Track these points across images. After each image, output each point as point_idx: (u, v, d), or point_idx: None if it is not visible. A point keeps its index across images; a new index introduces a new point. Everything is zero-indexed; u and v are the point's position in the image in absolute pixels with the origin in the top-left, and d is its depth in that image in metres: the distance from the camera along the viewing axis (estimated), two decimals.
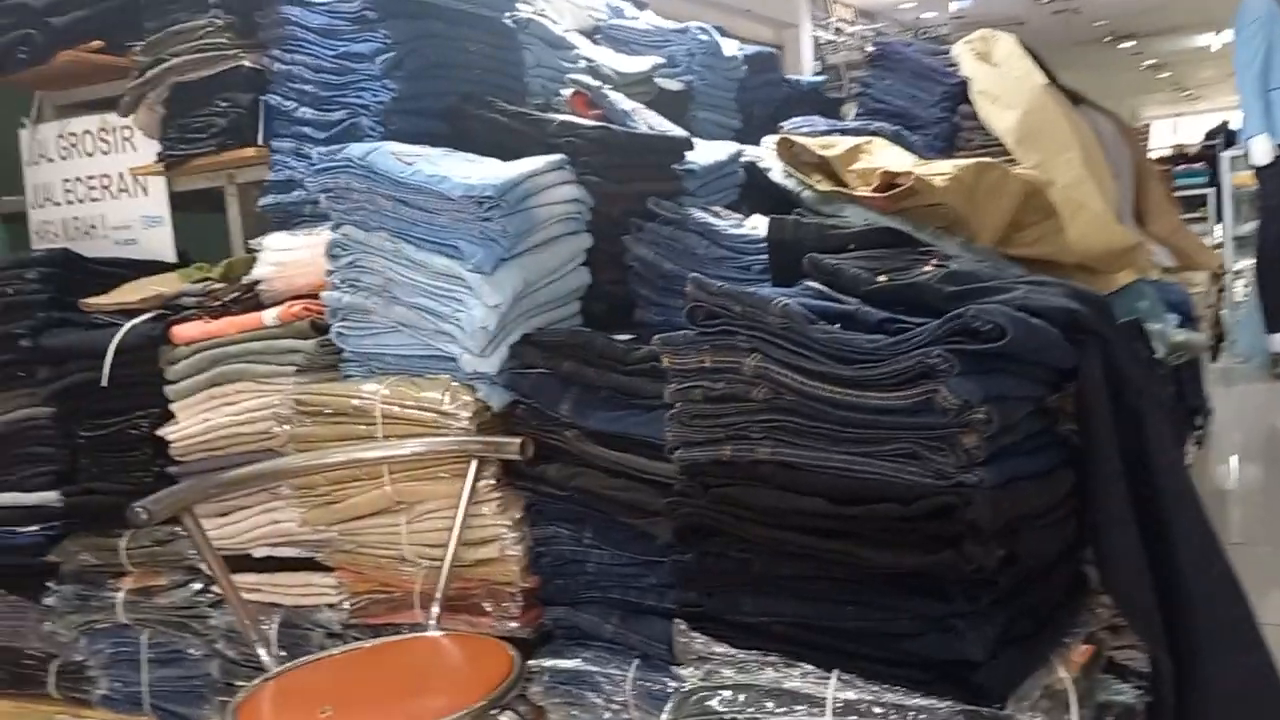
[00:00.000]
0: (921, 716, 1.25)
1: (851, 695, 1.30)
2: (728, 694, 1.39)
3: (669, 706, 1.45)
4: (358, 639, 1.97)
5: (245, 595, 2.10)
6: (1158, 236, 4.65)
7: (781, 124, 3.42)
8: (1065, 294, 1.46)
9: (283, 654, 2.04)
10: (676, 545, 1.47)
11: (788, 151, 2.78)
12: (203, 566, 2.17)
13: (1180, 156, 13.10)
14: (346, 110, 2.25)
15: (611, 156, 2.10)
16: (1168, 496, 1.43)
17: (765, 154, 2.80)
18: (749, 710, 1.37)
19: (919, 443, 1.26)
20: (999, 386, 1.26)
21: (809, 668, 1.35)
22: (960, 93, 3.80)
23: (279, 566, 2.12)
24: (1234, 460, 4.85)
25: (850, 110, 4.21)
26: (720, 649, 1.41)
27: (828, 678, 1.33)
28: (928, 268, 1.64)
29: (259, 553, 2.12)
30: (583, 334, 1.85)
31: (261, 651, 1.76)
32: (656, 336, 1.52)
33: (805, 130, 3.32)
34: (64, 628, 2.32)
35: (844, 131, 3.24)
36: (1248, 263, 6.63)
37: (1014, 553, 1.24)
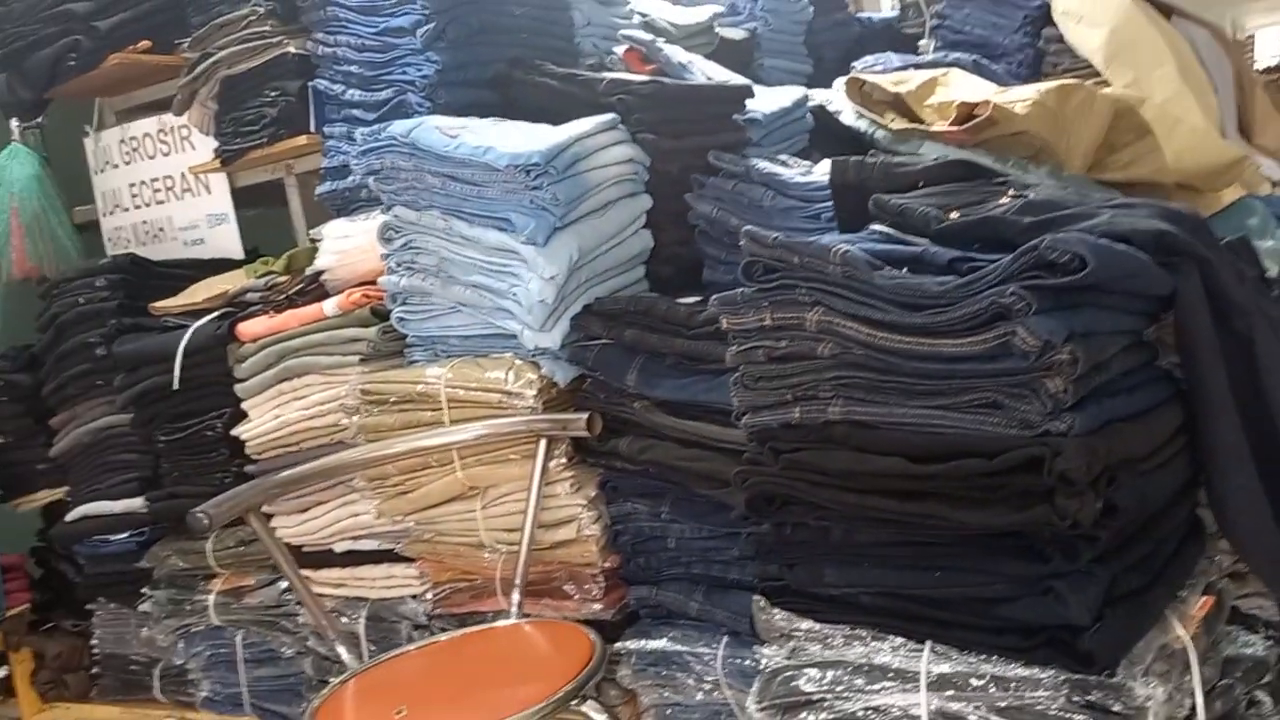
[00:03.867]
0: (1024, 688, 1.14)
1: (947, 668, 1.20)
2: (814, 672, 1.29)
3: (755, 688, 1.36)
4: (444, 629, 1.94)
5: (331, 590, 2.10)
6: (1267, 149, 4.36)
7: (853, 64, 3.28)
8: (1155, 214, 1.32)
9: (372, 648, 2.02)
10: (749, 516, 1.38)
11: (858, 91, 2.65)
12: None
13: None
14: (393, 88, 2.19)
15: (665, 111, 1.99)
16: None
17: (835, 96, 2.68)
18: (838, 689, 1.27)
19: (1000, 390, 1.14)
20: (1084, 322, 1.14)
21: (900, 640, 1.24)
22: (1043, 16, 3.60)
23: (362, 560, 2.08)
24: None
25: (930, 44, 4.05)
26: (805, 624, 1.32)
27: (920, 650, 1.22)
28: (1004, 199, 1.50)
29: (340, 547, 2.10)
30: (644, 299, 1.76)
31: (341, 649, 1.73)
32: (714, 297, 1.42)
33: (878, 68, 3.17)
34: (161, 632, 2.35)
35: (919, 66, 3.09)
36: None
37: (1114, 504, 1.11)
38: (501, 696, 1.45)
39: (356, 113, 2.25)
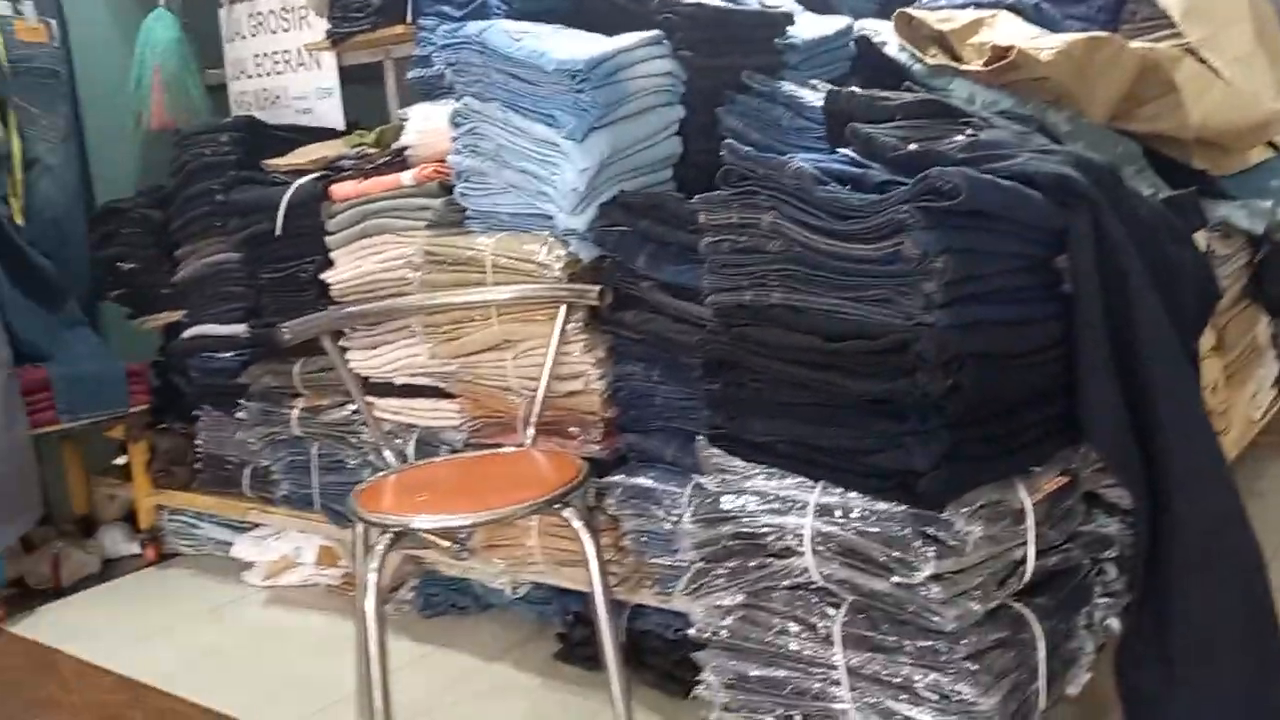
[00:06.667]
0: (879, 517, 1.48)
1: (828, 500, 1.53)
2: (733, 497, 1.64)
3: (691, 504, 1.71)
4: None
5: (390, 415, 2.49)
6: None
7: None
8: (1066, 161, 1.58)
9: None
10: (704, 377, 1.71)
11: (906, 25, 2.87)
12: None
13: None
14: None
15: (705, 32, 2.26)
16: (1150, 351, 1.55)
17: (884, 28, 2.89)
18: (748, 509, 1.62)
19: (892, 288, 1.44)
20: (965, 240, 1.42)
21: (799, 479, 1.58)
22: None
23: (416, 393, 2.47)
24: None
25: None
26: (735, 462, 1.66)
27: (814, 487, 1.56)
28: (959, 137, 1.77)
29: (400, 380, 2.49)
30: (659, 196, 2.07)
31: (387, 453, 2.13)
32: (697, 196, 1.73)
33: (941, 3, 3.35)
34: (252, 438, 2.79)
35: (979, 4, 3.25)
36: None
37: (959, 384, 1.41)
38: (504, 495, 1.81)
39: (446, 9, 2.56)
